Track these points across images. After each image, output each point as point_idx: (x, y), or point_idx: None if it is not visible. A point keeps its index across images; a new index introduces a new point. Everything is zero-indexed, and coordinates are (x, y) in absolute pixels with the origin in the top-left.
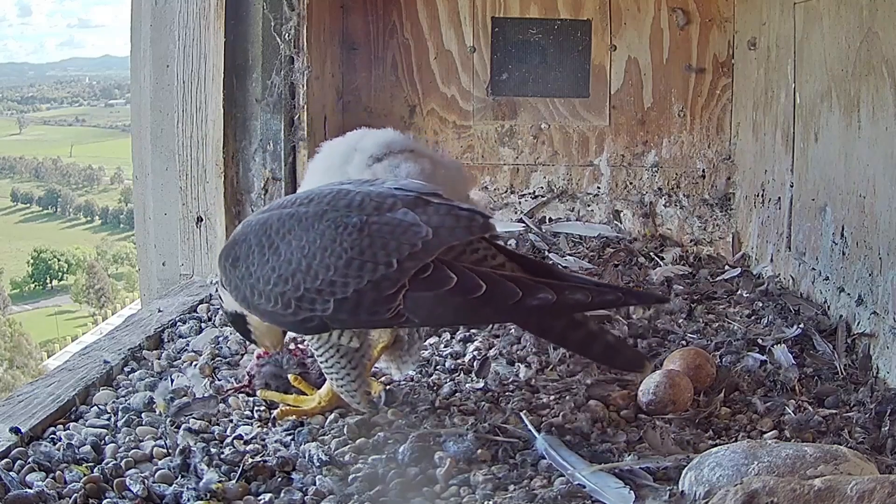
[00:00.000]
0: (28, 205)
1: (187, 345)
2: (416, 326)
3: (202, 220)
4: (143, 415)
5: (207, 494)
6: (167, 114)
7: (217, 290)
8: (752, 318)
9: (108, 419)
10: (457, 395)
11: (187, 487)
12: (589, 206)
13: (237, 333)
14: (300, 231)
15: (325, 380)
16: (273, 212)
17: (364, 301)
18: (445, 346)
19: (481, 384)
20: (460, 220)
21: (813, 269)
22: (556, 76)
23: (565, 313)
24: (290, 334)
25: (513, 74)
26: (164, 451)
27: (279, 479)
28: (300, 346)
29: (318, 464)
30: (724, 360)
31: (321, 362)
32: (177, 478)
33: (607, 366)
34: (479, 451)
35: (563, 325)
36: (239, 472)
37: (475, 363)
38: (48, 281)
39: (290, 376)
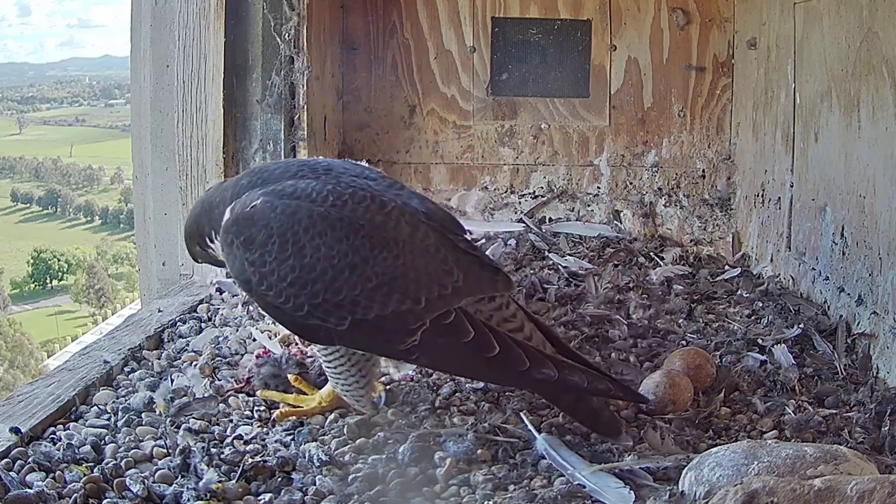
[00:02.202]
0: (28, 205)
1: (187, 345)
2: (422, 366)
3: None
4: (143, 415)
5: (207, 494)
6: (167, 114)
7: (213, 249)
8: (752, 318)
9: (108, 419)
10: (457, 395)
11: (187, 487)
12: (589, 206)
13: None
14: (332, 239)
15: (325, 379)
16: (302, 201)
17: (383, 329)
18: None
19: (481, 384)
20: (485, 271)
21: (813, 269)
22: (556, 76)
23: (559, 391)
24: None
25: (513, 74)
26: (164, 451)
27: (279, 479)
28: (300, 346)
29: (318, 464)
30: (724, 360)
31: (328, 368)
32: (177, 478)
33: (590, 428)
34: (479, 451)
35: (557, 390)
36: (239, 472)
37: None
38: (48, 281)
39: (289, 376)
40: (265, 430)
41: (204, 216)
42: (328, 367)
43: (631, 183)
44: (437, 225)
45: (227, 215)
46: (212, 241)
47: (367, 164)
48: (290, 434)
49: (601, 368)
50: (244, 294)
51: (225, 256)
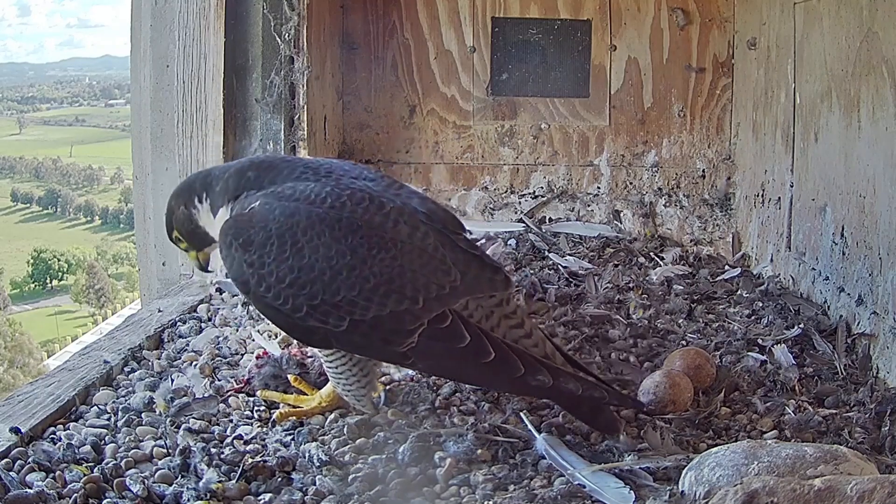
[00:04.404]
0: (28, 205)
1: (187, 345)
2: (418, 370)
3: None
4: (143, 415)
5: (207, 494)
6: (167, 114)
7: (177, 211)
8: (752, 318)
9: (108, 419)
10: (457, 395)
11: (187, 487)
12: (589, 206)
13: (177, 239)
14: (330, 240)
15: (325, 379)
16: (301, 202)
17: (380, 329)
18: None
19: None
20: (484, 271)
21: (813, 268)
22: (556, 76)
23: (554, 397)
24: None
25: (513, 74)
26: (164, 451)
27: (279, 479)
28: (300, 347)
29: (318, 464)
30: (724, 360)
31: (329, 368)
32: (177, 478)
33: (588, 424)
34: (479, 451)
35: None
36: (239, 472)
37: None
38: (48, 281)
39: (289, 377)
40: (265, 430)
41: (199, 180)
42: (329, 368)
43: (631, 183)
44: (438, 225)
45: (221, 212)
46: (198, 202)
47: (364, 166)
48: (290, 434)
49: (597, 374)
50: (242, 296)
51: (223, 258)
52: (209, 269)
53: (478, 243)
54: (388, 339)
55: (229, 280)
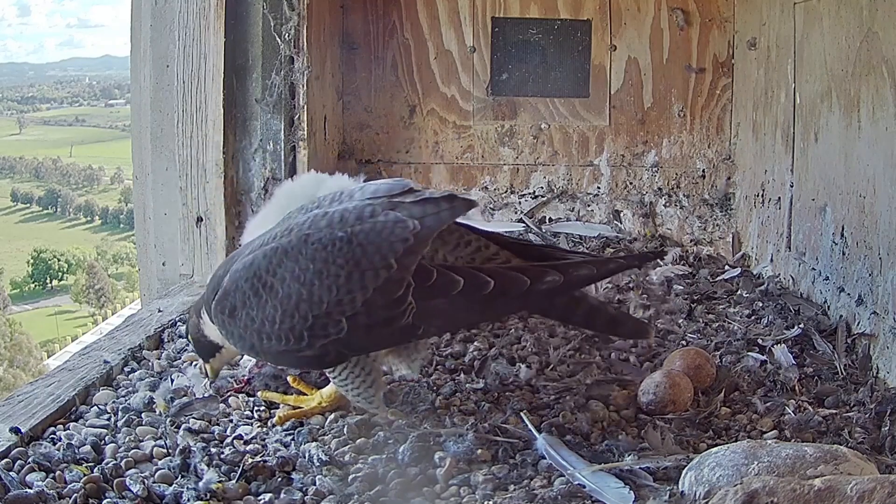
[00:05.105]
0: (28, 205)
1: (187, 345)
2: (434, 335)
3: (202, 220)
4: (143, 415)
5: (207, 494)
6: (167, 114)
7: (191, 318)
8: (752, 318)
9: (108, 419)
10: (457, 395)
11: (187, 487)
12: (589, 206)
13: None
14: (290, 262)
15: (325, 380)
16: (255, 252)
17: (375, 311)
18: (446, 346)
19: (481, 384)
20: (441, 203)
21: (813, 269)
22: (556, 76)
23: (573, 290)
24: None
25: (513, 74)
26: (164, 451)
27: (279, 479)
28: None
29: (318, 464)
30: (724, 360)
31: (336, 379)
32: (177, 478)
33: (614, 335)
34: (479, 451)
35: (566, 302)
36: (239, 472)
37: (475, 363)
38: (48, 281)
39: (289, 377)
40: (265, 430)
41: (209, 290)
42: (335, 379)
43: (631, 183)
44: (384, 198)
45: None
46: (199, 317)
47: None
48: (290, 434)
49: (604, 256)
50: (255, 358)
51: (226, 338)
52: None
53: None
54: (388, 317)
55: (249, 358)
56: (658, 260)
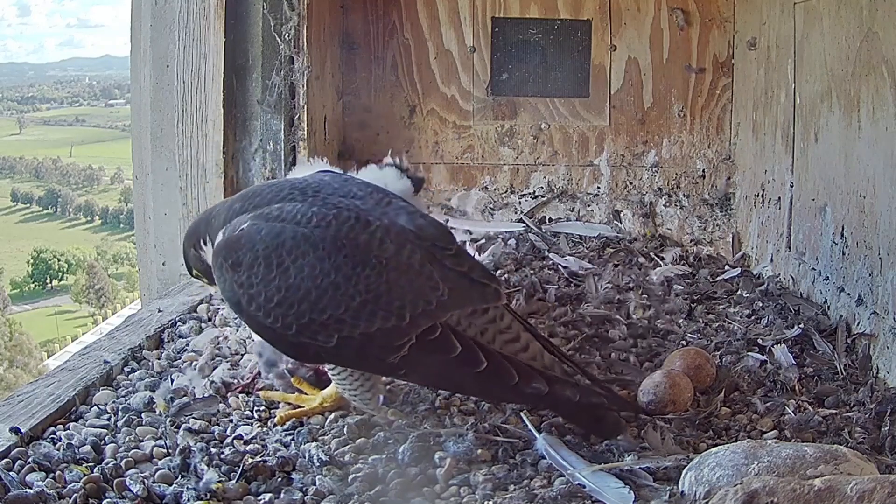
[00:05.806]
0: (28, 205)
1: (187, 345)
2: (415, 382)
3: None
4: (143, 415)
5: (207, 494)
6: (167, 114)
7: (189, 253)
8: (752, 318)
9: (108, 419)
10: (457, 395)
11: (187, 487)
12: (589, 206)
13: (201, 280)
14: (315, 259)
15: (326, 380)
16: (286, 224)
17: (370, 346)
18: None
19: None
20: (474, 286)
21: (813, 268)
22: (556, 76)
23: (551, 406)
24: None
25: (513, 74)
26: (164, 451)
27: (279, 479)
28: None
29: (318, 464)
30: (724, 360)
31: (334, 376)
32: (177, 478)
33: (592, 434)
34: (479, 451)
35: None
36: (239, 472)
37: None
38: (48, 281)
39: (292, 379)
40: (265, 430)
41: (203, 222)
42: (334, 376)
43: (631, 183)
44: (427, 242)
45: (218, 237)
46: (203, 245)
47: (361, 179)
48: (290, 434)
49: (596, 378)
50: (235, 314)
51: (217, 279)
52: None
53: (478, 243)
54: (378, 355)
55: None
56: (640, 415)
